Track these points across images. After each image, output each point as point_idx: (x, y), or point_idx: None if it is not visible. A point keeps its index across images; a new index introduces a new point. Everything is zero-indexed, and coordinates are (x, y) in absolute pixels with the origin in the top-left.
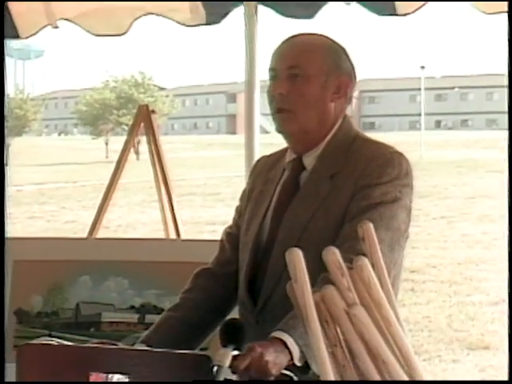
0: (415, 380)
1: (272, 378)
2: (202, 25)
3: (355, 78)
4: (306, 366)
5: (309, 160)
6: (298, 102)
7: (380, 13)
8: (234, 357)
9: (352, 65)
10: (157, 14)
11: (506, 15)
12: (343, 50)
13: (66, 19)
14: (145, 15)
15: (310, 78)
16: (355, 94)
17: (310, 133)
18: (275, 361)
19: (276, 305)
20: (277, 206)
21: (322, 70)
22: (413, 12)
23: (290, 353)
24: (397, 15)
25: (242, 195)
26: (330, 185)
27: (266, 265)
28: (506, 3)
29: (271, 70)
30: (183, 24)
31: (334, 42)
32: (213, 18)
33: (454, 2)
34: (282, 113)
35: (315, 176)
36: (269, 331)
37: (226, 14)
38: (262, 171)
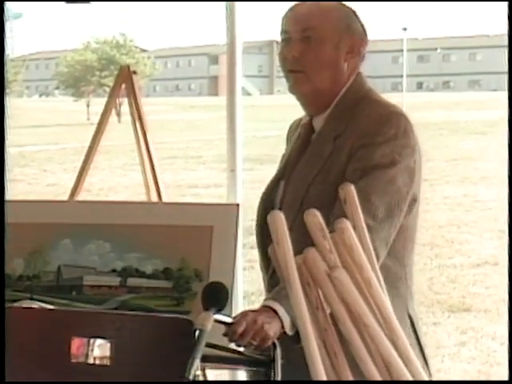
0: (417, 380)
1: (270, 341)
2: None
3: (367, 37)
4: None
5: (318, 121)
6: (312, 63)
7: None
8: (228, 324)
9: (362, 25)
10: None
11: None
12: (353, 11)
13: None
14: None
15: (323, 40)
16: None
17: (323, 93)
18: (270, 324)
19: None
20: (287, 169)
21: (335, 32)
22: None
23: (281, 322)
24: None
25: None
26: (332, 146)
27: None
28: None
29: (284, 32)
30: None
31: (343, 4)
32: None
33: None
34: (295, 74)
35: (321, 137)
36: None
37: None
38: (289, 134)
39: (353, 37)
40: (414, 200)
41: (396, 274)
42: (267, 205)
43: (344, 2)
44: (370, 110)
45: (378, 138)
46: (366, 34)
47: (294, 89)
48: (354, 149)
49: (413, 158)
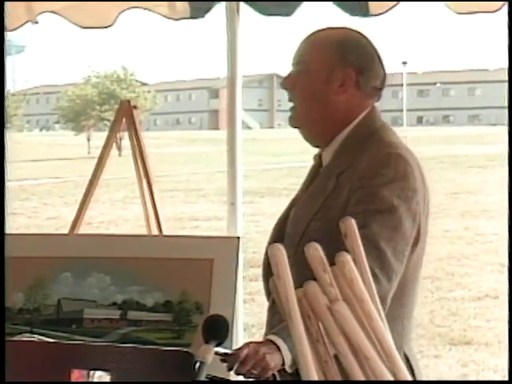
0: (409, 380)
1: (271, 373)
2: (186, 18)
3: (372, 70)
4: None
5: (326, 155)
6: (300, 97)
7: (352, 13)
8: (229, 354)
9: (368, 57)
10: (140, 8)
11: (478, 16)
12: (359, 44)
13: (52, 11)
14: (128, 9)
15: (309, 73)
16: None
17: (314, 128)
18: (272, 355)
19: None
20: (295, 201)
21: (323, 65)
22: (385, 12)
23: (283, 358)
24: (369, 15)
25: None
26: (334, 183)
27: None
28: (476, 3)
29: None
30: (166, 16)
31: (351, 36)
32: (196, 13)
33: (434, 1)
34: (292, 107)
35: (326, 172)
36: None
37: (209, 9)
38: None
39: (346, 70)
40: (416, 239)
41: (390, 314)
42: (276, 234)
43: (364, 33)
44: (373, 149)
45: (376, 180)
46: (370, 68)
47: (288, 121)
48: (354, 189)
49: (414, 200)
